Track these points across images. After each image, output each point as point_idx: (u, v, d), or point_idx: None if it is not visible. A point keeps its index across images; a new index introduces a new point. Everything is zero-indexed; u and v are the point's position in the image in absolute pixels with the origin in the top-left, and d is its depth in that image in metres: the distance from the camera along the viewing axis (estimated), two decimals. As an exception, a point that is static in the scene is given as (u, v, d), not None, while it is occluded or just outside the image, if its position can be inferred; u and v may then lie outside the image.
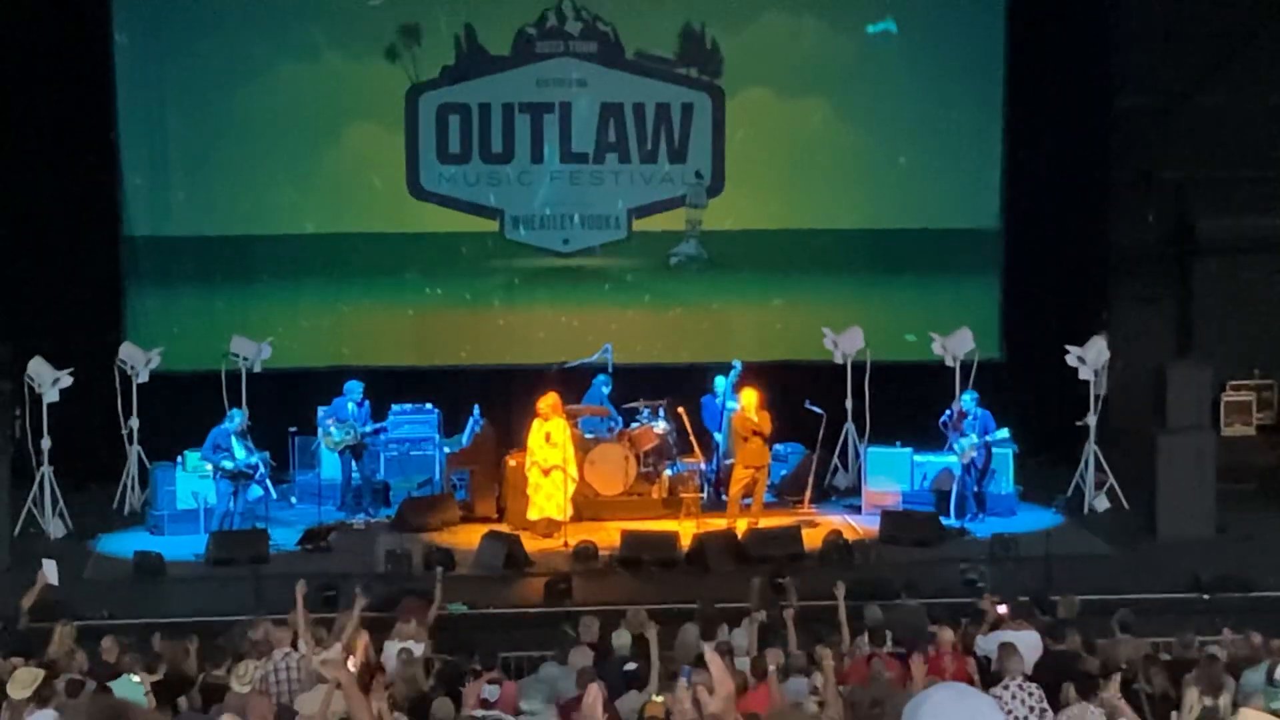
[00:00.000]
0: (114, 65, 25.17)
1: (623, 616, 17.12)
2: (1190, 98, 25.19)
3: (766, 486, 23.29)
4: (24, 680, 15.42)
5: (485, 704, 14.42)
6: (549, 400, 22.49)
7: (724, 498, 22.93)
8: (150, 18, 25.39)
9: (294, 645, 15.96)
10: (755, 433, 22.30)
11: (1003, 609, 17.16)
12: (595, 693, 11.14)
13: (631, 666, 15.55)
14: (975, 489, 22.76)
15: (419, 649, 16.46)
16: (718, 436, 23.48)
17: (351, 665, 15.67)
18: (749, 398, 22.45)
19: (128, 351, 23.49)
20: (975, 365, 23.59)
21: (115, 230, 25.39)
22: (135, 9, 25.31)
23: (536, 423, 22.49)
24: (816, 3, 26.24)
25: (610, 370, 24.07)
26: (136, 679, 15.65)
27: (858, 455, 23.89)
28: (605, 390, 23.83)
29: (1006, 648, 14.36)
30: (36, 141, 24.70)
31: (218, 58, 25.59)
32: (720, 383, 23.31)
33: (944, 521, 22.37)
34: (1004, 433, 22.77)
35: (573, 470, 22.49)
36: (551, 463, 22.37)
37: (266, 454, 22.95)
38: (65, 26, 24.59)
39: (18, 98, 24.50)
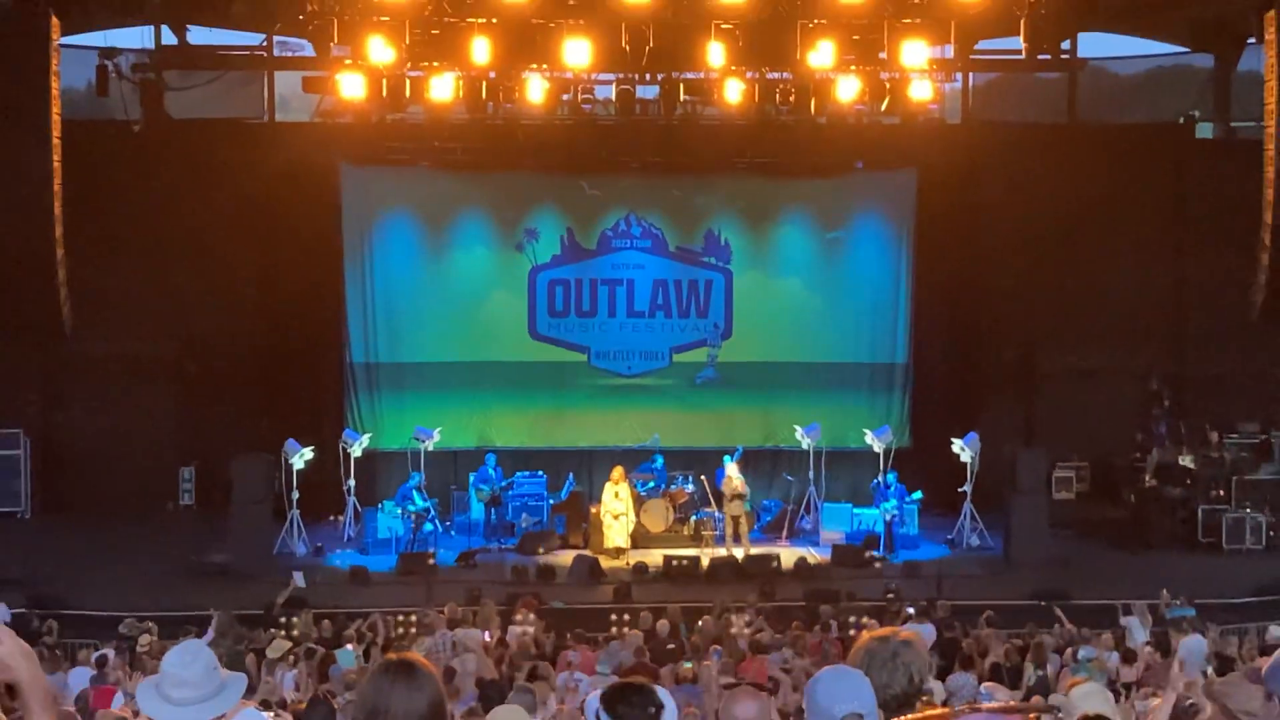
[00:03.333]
0: (343, 243, 25.35)
1: (664, 611, 17.49)
2: (1036, 273, 25.23)
3: (755, 527, 23.43)
4: (278, 647, 15.65)
5: (570, 665, 14.65)
6: (618, 471, 22.76)
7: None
8: (366, 218, 25.57)
9: (450, 628, 16.17)
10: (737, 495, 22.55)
11: (910, 610, 17.33)
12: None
13: (670, 646, 15.81)
14: (892, 534, 22.67)
15: (531, 630, 16.67)
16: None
17: (488, 638, 15.91)
18: (732, 470, 22.66)
19: (348, 436, 23.60)
20: (893, 451, 23.50)
21: (341, 357, 25.50)
22: (359, 216, 25.48)
23: (608, 485, 22.69)
24: (793, 217, 26.18)
25: (658, 449, 24.23)
26: (351, 648, 15.85)
27: (817, 508, 23.79)
28: (656, 464, 23.90)
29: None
30: (293, 294, 24.82)
31: (409, 241, 25.77)
32: (727, 460, 23.19)
33: (873, 553, 22.34)
34: (918, 495, 22.91)
35: (631, 516, 22.63)
36: (619, 511, 22.54)
37: (435, 500, 23.21)
38: (308, 225, 24.76)
39: (281, 267, 24.66)
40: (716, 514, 23.06)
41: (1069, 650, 14.92)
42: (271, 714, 8.86)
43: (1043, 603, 18.88)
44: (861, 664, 4.49)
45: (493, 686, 8.39)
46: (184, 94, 25.09)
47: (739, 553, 22.13)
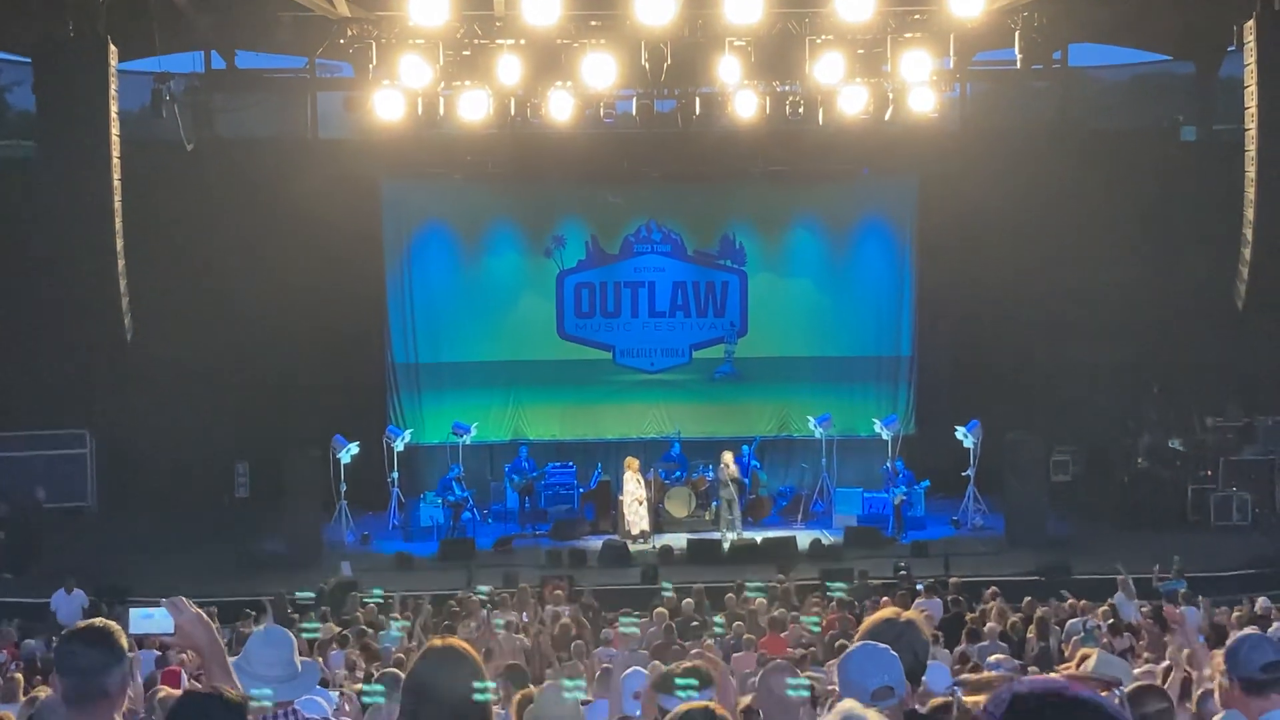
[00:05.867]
0: (384, 251, 25.44)
1: (689, 591, 17.46)
2: (1031, 268, 25.00)
3: (772, 511, 23.36)
4: (327, 630, 15.53)
5: (604, 642, 14.61)
6: (634, 461, 22.85)
7: (748, 519, 22.87)
8: (405, 228, 25.64)
9: (487, 612, 16.12)
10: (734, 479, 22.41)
11: (920, 586, 17.28)
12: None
13: (695, 623, 15.75)
14: (901, 516, 22.62)
15: (566, 611, 16.62)
16: (744, 482, 23.26)
17: (525, 617, 15.82)
18: (727, 457, 22.42)
19: (391, 432, 23.65)
20: (901, 438, 23.50)
21: (384, 358, 25.56)
22: (398, 226, 25.57)
23: (627, 474, 22.70)
24: (803, 221, 26.14)
25: (680, 440, 24.12)
26: (397, 629, 15.78)
27: (830, 492, 23.77)
28: (675, 451, 23.84)
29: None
30: (338, 299, 24.71)
31: (445, 249, 25.74)
32: (745, 450, 23.19)
33: (884, 533, 22.26)
34: (926, 483, 22.90)
35: (647, 501, 22.62)
36: (642, 497, 22.50)
37: (473, 490, 23.21)
38: (351, 235, 24.76)
39: (327, 275, 24.55)
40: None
41: (1074, 621, 14.78)
42: (337, 692, 8.87)
43: (1043, 577, 18.83)
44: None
45: (515, 670, 8.31)
46: (233, 114, 25.21)
47: (731, 536, 22.03)
